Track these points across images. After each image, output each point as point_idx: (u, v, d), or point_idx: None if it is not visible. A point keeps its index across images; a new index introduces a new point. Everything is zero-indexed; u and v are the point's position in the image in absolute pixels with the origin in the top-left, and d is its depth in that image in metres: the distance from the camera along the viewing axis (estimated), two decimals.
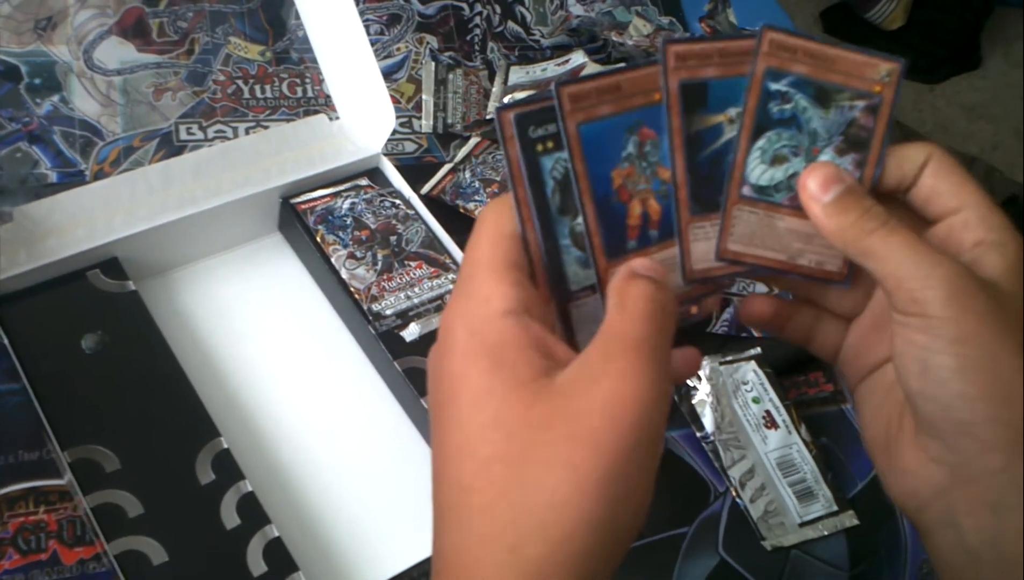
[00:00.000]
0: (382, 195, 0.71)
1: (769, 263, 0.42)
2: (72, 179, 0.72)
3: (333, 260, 0.67)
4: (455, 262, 0.69)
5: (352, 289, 0.66)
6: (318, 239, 0.68)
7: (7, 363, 0.59)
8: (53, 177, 0.72)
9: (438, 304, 0.66)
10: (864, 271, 0.40)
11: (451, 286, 0.67)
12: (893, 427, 0.42)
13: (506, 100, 0.83)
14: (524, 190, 0.38)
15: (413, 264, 0.67)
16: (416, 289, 0.66)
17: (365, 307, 0.65)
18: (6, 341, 0.58)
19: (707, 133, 0.41)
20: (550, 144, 0.38)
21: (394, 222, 0.69)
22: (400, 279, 0.66)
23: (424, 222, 0.70)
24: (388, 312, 0.65)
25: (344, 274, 0.66)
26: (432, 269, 0.67)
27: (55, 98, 0.76)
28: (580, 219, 0.39)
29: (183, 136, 0.77)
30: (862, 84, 0.41)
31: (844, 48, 0.40)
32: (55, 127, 0.74)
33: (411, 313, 0.65)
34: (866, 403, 0.44)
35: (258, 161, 0.70)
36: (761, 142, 0.41)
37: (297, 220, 0.69)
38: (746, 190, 0.41)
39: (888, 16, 2.33)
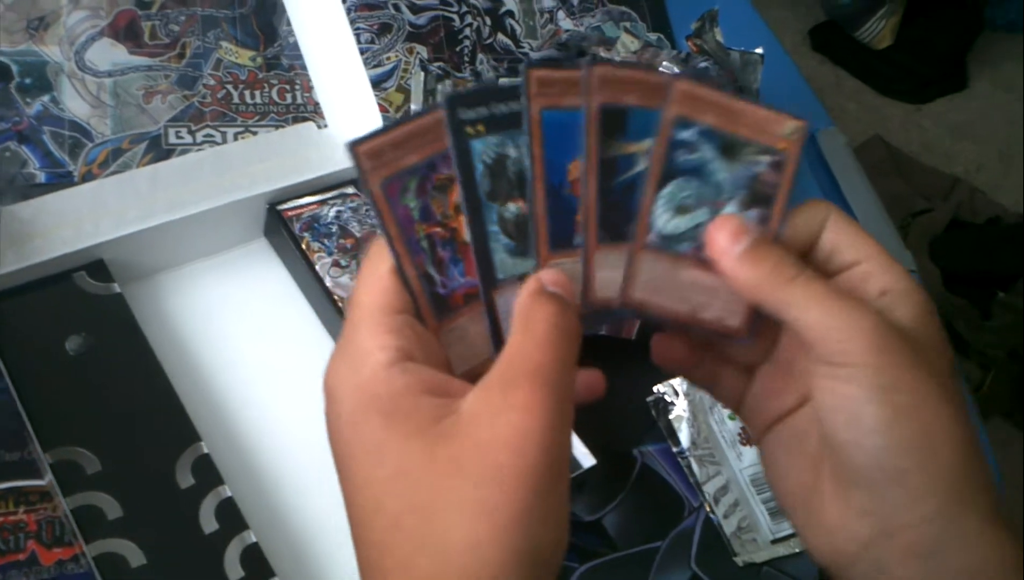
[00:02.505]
0: (368, 204, 0.71)
1: (672, 315, 0.41)
2: (60, 180, 0.73)
3: (318, 268, 0.68)
4: None
5: (336, 297, 0.66)
6: (303, 246, 0.68)
7: None
8: (41, 177, 0.72)
9: None
10: (767, 321, 0.40)
11: None
12: (809, 480, 0.40)
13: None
14: (457, 178, 0.37)
15: None
16: None
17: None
18: None
19: (623, 161, 0.40)
20: (480, 127, 0.37)
21: (379, 229, 0.70)
22: None
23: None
24: None
25: (328, 282, 0.67)
26: None
27: (45, 98, 0.76)
28: (513, 206, 0.38)
29: (172, 139, 0.77)
30: (768, 140, 0.40)
31: (752, 103, 0.40)
32: (45, 127, 0.75)
33: None
34: (776, 455, 0.42)
35: (246, 167, 0.71)
36: (668, 189, 0.40)
37: (283, 227, 0.69)
38: (652, 237, 0.40)
39: (877, 35, 2.34)
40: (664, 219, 0.40)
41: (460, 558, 0.32)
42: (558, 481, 0.34)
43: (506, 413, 0.34)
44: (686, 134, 0.40)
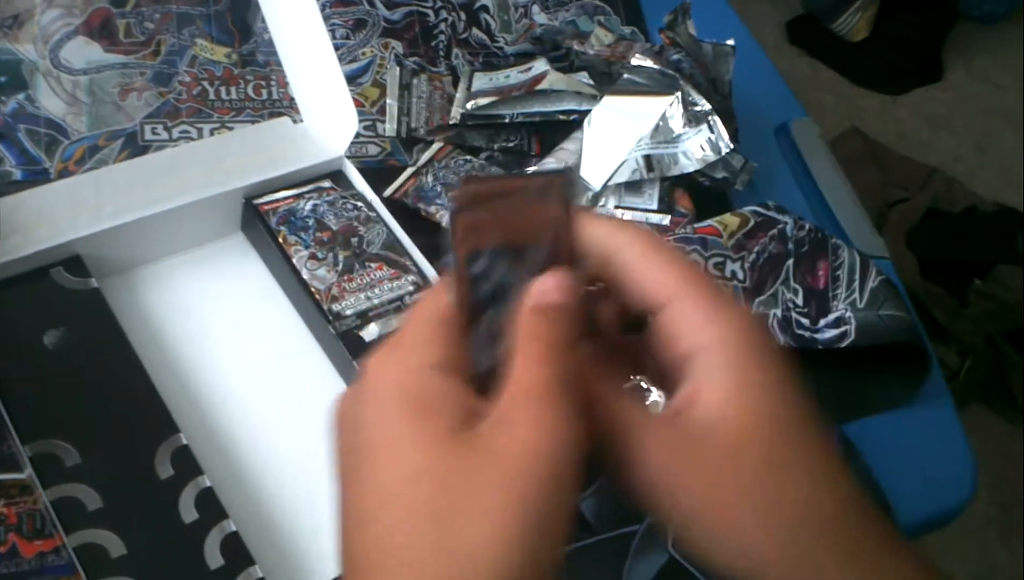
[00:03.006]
0: (344, 197, 0.72)
1: None
2: (36, 177, 0.73)
3: (295, 261, 0.68)
4: (415, 264, 0.70)
5: (313, 289, 0.67)
6: (280, 240, 0.69)
7: None
8: (17, 175, 0.73)
9: (397, 305, 0.67)
10: None
11: (411, 288, 0.69)
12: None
13: (469, 106, 0.84)
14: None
15: (374, 265, 0.69)
16: (376, 290, 0.68)
17: (325, 307, 0.66)
18: None
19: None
20: None
21: (356, 224, 0.71)
22: (360, 280, 0.68)
23: (385, 224, 0.72)
24: (348, 312, 0.66)
25: (305, 274, 0.68)
26: (392, 270, 0.69)
27: (20, 96, 0.77)
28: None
29: (148, 136, 0.78)
30: (543, 226, 0.38)
31: (522, 177, 0.40)
32: (20, 125, 0.75)
33: (371, 313, 0.66)
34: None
35: (222, 162, 0.71)
36: (481, 327, 0.38)
37: (259, 221, 0.70)
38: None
39: (853, 27, 2.36)
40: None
41: (475, 559, 0.32)
42: (567, 493, 0.34)
43: (517, 428, 0.34)
44: (478, 266, 0.38)
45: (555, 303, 0.37)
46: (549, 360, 0.35)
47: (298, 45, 0.72)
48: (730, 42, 0.87)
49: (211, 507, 0.56)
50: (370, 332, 0.65)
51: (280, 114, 0.82)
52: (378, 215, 0.72)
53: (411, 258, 0.70)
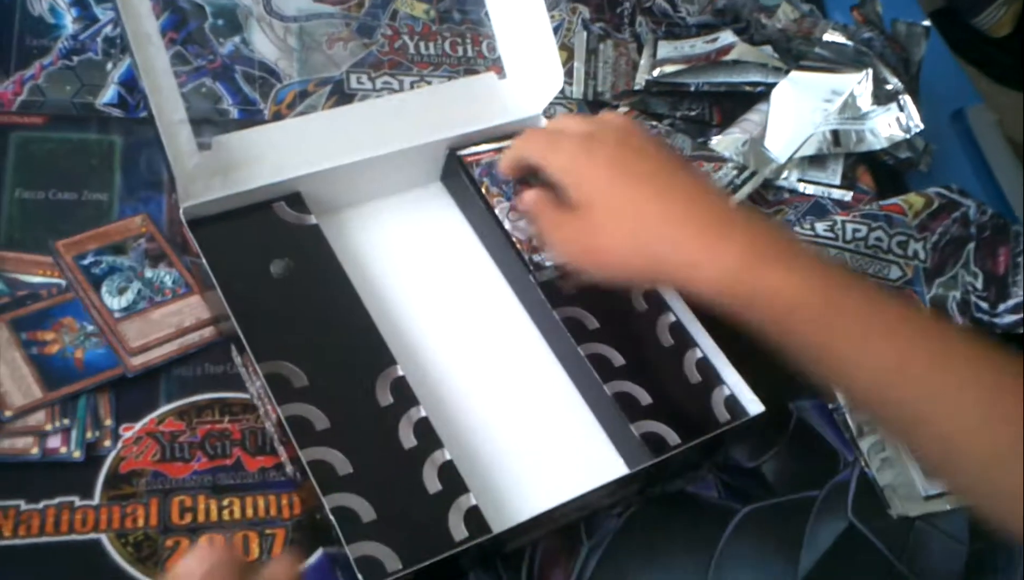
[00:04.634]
0: None
1: (160, 340, 0.64)
2: (252, 116, 0.77)
3: (497, 211, 0.70)
4: None
5: (515, 239, 0.69)
6: (483, 190, 0.71)
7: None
8: (234, 113, 0.76)
9: None
10: None
11: None
12: None
13: (655, 73, 0.86)
14: None
15: None
16: None
17: (526, 257, 0.68)
18: (203, 260, 0.63)
19: None
20: None
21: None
22: None
23: None
24: (547, 263, 0.68)
25: (507, 225, 0.70)
26: None
27: (236, 39, 0.80)
28: None
29: (353, 84, 0.81)
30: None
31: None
32: (237, 66, 0.79)
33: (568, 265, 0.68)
34: None
35: (428, 113, 0.74)
36: (104, 289, 0.65)
37: (463, 171, 0.72)
38: (117, 315, 0.64)
39: (997, 21, 2.31)
40: (116, 301, 0.65)
41: None
42: None
43: None
44: (85, 261, 0.65)
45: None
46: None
47: (510, 2, 0.74)
48: (925, 23, 0.87)
49: (428, 436, 0.59)
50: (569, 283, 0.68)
51: (474, 71, 0.84)
52: None
53: None
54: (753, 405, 0.66)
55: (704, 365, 0.67)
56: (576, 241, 0.61)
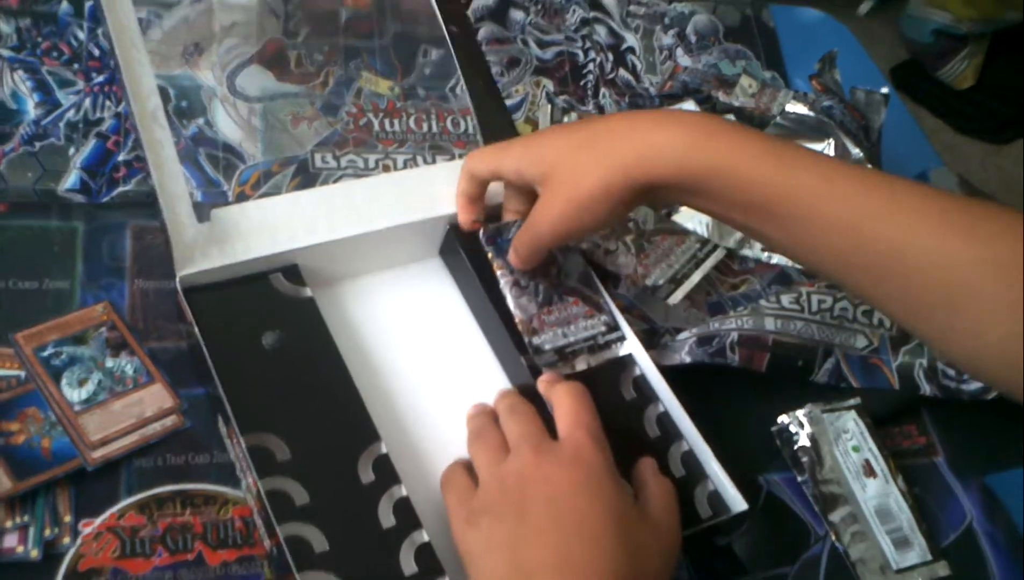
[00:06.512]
0: None
1: (121, 431, 0.63)
2: (215, 199, 0.76)
3: (501, 285, 0.70)
4: (607, 304, 0.72)
5: (517, 319, 0.69)
6: (488, 257, 0.71)
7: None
8: (198, 196, 0.76)
9: (591, 344, 0.69)
10: None
11: (603, 328, 0.70)
12: None
13: None
14: None
15: (571, 299, 0.71)
16: (572, 326, 0.69)
17: (527, 339, 0.68)
18: (195, 327, 0.62)
19: None
20: None
21: (555, 252, 0.73)
22: (558, 313, 0.69)
23: (581, 254, 0.74)
24: (547, 346, 0.68)
25: (510, 302, 0.69)
26: (587, 308, 0.71)
27: (200, 121, 0.80)
28: None
29: (318, 164, 0.81)
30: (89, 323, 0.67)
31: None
32: (200, 148, 0.79)
33: (567, 350, 0.68)
34: None
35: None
36: (64, 381, 0.64)
37: (461, 248, 0.72)
38: (77, 407, 0.63)
39: (959, 75, 2.35)
40: (77, 394, 0.64)
41: None
42: None
43: None
44: (45, 353, 0.64)
45: None
46: None
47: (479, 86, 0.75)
48: (884, 90, 0.88)
49: (407, 516, 0.59)
50: (574, 366, 0.68)
51: (439, 148, 0.85)
52: (575, 245, 0.74)
53: (603, 297, 0.72)
54: (736, 503, 0.65)
55: (689, 458, 0.67)
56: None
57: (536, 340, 0.68)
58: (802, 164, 0.55)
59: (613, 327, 0.70)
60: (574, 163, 0.61)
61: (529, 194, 0.68)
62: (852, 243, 0.54)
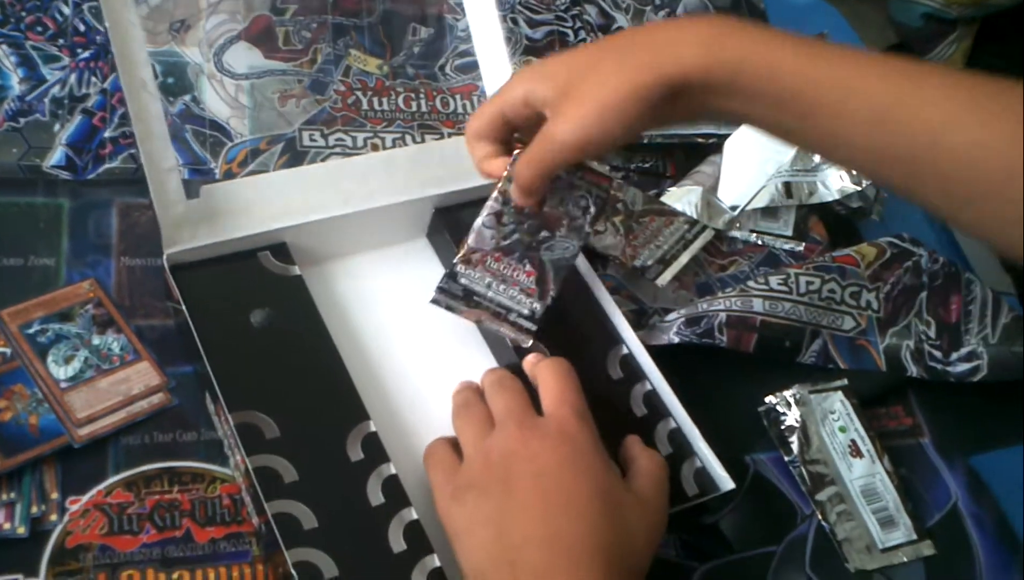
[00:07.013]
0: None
1: (108, 409, 0.63)
2: (202, 176, 0.76)
3: (485, 205, 0.69)
4: (551, 300, 0.71)
5: (466, 240, 0.68)
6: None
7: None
8: (185, 173, 0.76)
9: (499, 311, 0.68)
10: None
11: (525, 311, 0.69)
12: None
13: None
14: None
15: (528, 268, 0.69)
16: (502, 286, 0.67)
17: (455, 261, 0.67)
18: (183, 305, 0.62)
19: None
20: None
21: (564, 226, 0.71)
22: (505, 268, 0.67)
23: (585, 246, 0.73)
24: (462, 280, 0.67)
25: (476, 222, 0.68)
26: (532, 286, 0.69)
27: (187, 97, 0.80)
28: None
29: (306, 142, 0.80)
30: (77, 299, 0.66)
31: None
32: (187, 125, 0.78)
33: (475, 298, 0.67)
34: None
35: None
36: (50, 358, 0.64)
37: (448, 226, 0.72)
38: (63, 385, 0.63)
39: (947, 59, 2.35)
40: (63, 371, 0.64)
41: None
42: None
43: None
44: (31, 330, 0.65)
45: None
46: None
47: (491, 61, 0.75)
48: None
49: (396, 494, 0.59)
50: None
51: (429, 127, 0.84)
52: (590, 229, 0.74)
53: (552, 293, 0.71)
54: (724, 482, 0.66)
55: (676, 436, 0.67)
56: None
57: (460, 269, 0.66)
58: (831, 52, 0.53)
59: (532, 319, 0.68)
60: (596, 72, 0.56)
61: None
62: (885, 131, 0.51)
